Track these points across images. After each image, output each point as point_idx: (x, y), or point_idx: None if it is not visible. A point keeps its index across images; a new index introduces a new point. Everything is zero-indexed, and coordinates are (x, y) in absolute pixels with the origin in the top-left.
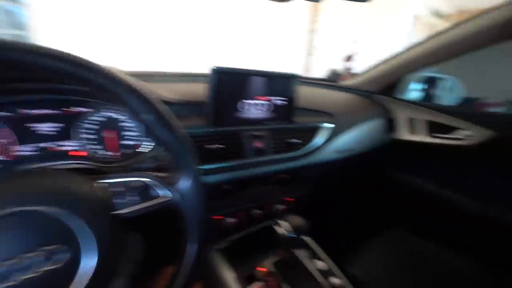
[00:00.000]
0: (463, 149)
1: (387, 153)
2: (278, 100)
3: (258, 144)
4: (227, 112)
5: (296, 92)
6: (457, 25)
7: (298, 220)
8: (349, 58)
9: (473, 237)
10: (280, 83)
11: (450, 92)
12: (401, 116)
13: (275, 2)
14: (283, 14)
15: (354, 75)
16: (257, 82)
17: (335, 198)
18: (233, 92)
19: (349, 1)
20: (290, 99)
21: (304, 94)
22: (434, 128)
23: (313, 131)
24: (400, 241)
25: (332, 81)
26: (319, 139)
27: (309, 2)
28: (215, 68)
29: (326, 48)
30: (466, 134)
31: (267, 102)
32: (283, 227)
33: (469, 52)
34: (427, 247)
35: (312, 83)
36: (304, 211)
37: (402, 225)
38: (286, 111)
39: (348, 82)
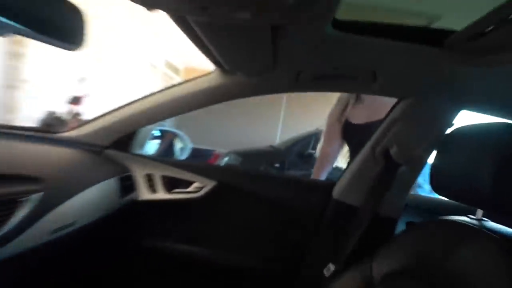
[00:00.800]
0: (195, 201)
1: (127, 217)
2: None
3: None
4: None
5: None
6: (183, 83)
7: None
8: (76, 101)
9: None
10: None
11: (182, 146)
12: (139, 173)
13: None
14: None
15: (80, 124)
16: None
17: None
18: None
19: None
20: None
21: None
22: (172, 183)
23: (7, 207)
24: None
25: (47, 130)
26: (18, 218)
27: None
28: None
29: (41, 82)
30: (197, 186)
31: None
32: None
33: (195, 109)
34: None
35: (11, 133)
36: None
37: None
38: None
39: (71, 133)
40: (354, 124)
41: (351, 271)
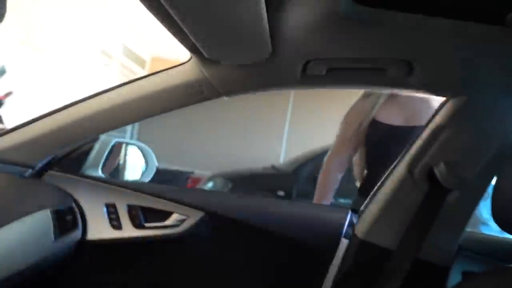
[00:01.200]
0: (175, 238)
1: (65, 266)
2: None
3: None
4: None
5: None
6: (148, 76)
7: None
8: None
9: None
10: None
11: (144, 165)
12: (94, 203)
13: None
14: None
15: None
16: None
17: None
18: None
19: None
20: None
21: None
22: (145, 215)
23: None
24: None
25: None
26: None
27: None
28: None
29: None
30: (177, 219)
31: None
32: None
33: (165, 112)
34: None
35: None
36: None
37: None
38: None
39: None
40: (384, 124)
41: None
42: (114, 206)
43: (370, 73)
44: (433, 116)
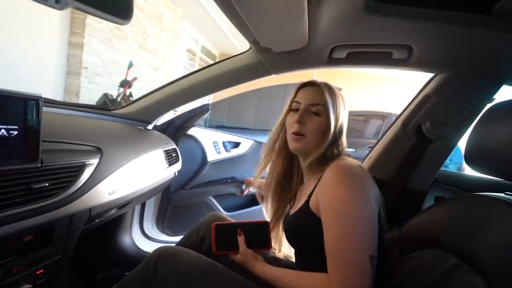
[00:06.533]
0: (243, 156)
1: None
2: (3, 131)
3: None
4: None
5: (41, 120)
6: (220, 62)
7: None
8: (126, 84)
9: None
10: (6, 107)
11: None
12: (207, 141)
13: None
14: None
15: (129, 102)
16: None
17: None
18: None
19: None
20: (29, 130)
21: (60, 123)
22: (230, 144)
23: (74, 170)
24: None
25: (104, 108)
26: (83, 180)
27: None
28: None
29: (97, 68)
30: (244, 147)
31: None
32: None
33: (232, 86)
34: None
35: (72, 109)
36: (64, 280)
37: None
38: (21, 146)
39: (122, 110)
40: None
41: None
42: (216, 142)
43: (379, 55)
44: (423, 87)
